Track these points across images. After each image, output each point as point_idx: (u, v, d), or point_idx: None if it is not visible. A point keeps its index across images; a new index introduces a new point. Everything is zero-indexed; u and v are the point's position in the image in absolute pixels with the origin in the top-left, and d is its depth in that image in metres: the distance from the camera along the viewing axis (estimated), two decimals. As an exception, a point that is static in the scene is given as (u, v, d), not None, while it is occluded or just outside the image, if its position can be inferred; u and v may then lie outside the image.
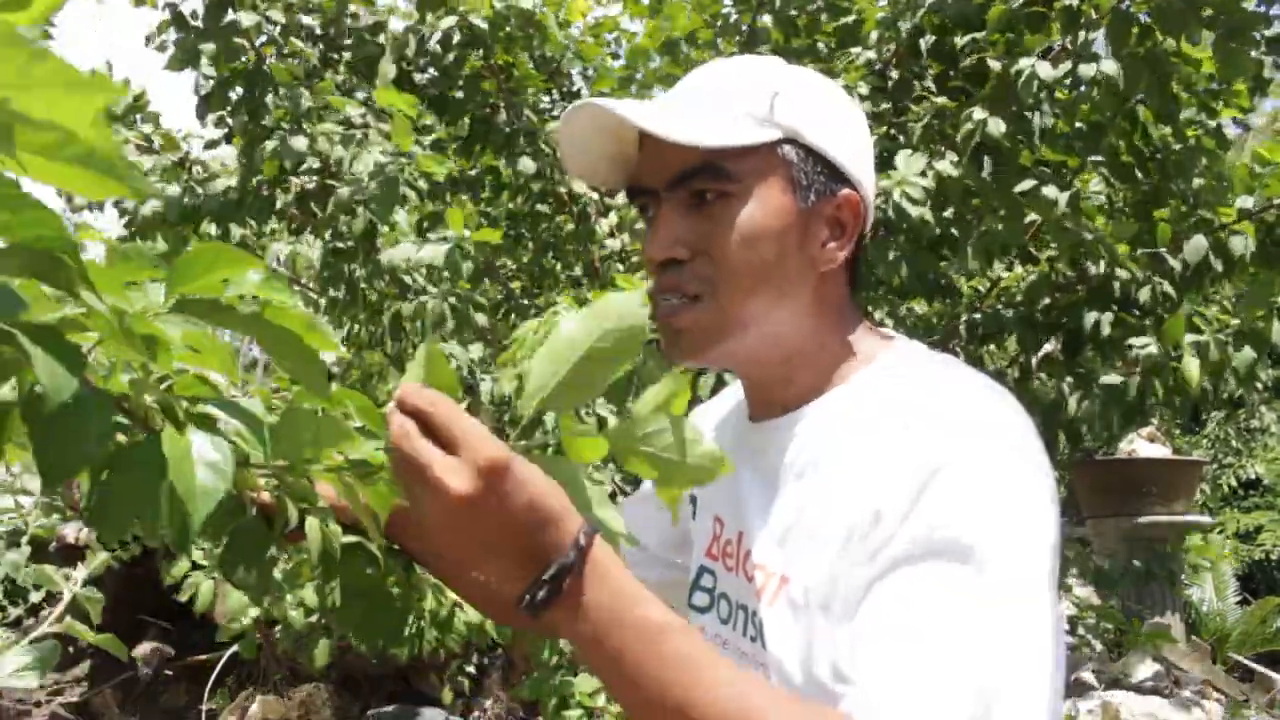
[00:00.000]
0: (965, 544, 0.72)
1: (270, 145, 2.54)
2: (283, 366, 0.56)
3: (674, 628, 0.69)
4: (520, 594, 0.67)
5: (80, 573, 1.41)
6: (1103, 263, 2.51)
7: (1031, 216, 2.59)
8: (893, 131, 2.59)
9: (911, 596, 0.72)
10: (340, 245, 2.54)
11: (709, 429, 1.07)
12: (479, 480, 0.63)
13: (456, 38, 2.81)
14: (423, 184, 2.34)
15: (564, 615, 0.67)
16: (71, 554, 4.36)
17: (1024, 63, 2.24)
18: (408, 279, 2.53)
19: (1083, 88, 2.26)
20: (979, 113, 2.27)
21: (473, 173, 3.29)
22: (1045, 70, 2.21)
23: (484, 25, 2.79)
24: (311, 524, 0.70)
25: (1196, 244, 2.44)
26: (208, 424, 0.54)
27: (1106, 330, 2.50)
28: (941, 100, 2.43)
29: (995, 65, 2.34)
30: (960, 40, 2.45)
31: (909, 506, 0.74)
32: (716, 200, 0.86)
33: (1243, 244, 2.44)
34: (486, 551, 0.66)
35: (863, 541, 0.76)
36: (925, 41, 2.53)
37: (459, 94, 2.99)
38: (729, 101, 0.87)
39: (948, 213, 2.44)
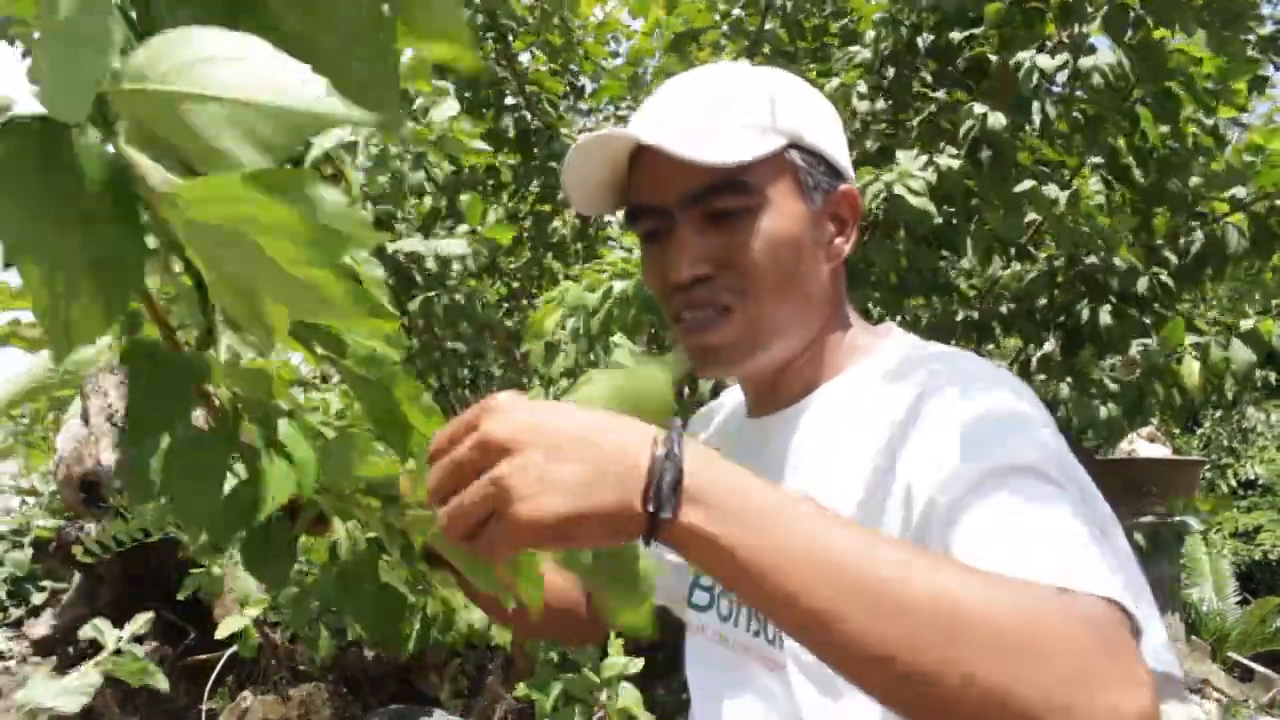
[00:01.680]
0: (1020, 462, 0.68)
1: None
2: (371, 420, 0.57)
3: (805, 499, 0.59)
4: (642, 497, 0.56)
5: (128, 630, 1.50)
6: (1101, 254, 2.51)
7: (1031, 216, 2.60)
8: (889, 130, 2.60)
9: (999, 510, 0.67)
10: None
11: (708, 431, 1.08)
12: (508, 413, 0.56)
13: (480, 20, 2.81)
14: (438, 173, 2.32)
15: (699, 514, 0.56)
16: (72, 554, 4.36)
17: (1023, 55, 2.24)
18: (415, 276, 2.53)
19: (1078, 82, 2.26)
20: (979, 107, 2.27)
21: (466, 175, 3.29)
22: (1045, 61, 2.21)
23: (509, 21, 2.79)
24: (341, 532, 0.71)
25: (1196, 240, 2.45)
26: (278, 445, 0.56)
27: (1105, 321, 2.50)
28: (940, 95, 2.43)
29: (994, 59, 2.34)
30: (958, 36, 2.45)
31: (940, 464, 0.72)
32: (734, 217, 0.85)
33: (1235, 239, 2.45)
34: (570, 472, 0.56)
35: (904, 513, 0.74)
36: (923, 39, 2.53)
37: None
38: (729, 111, 0.86)
39: (948, 209, 2.44)
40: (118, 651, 1.53)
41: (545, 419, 0.56)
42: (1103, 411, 2.44)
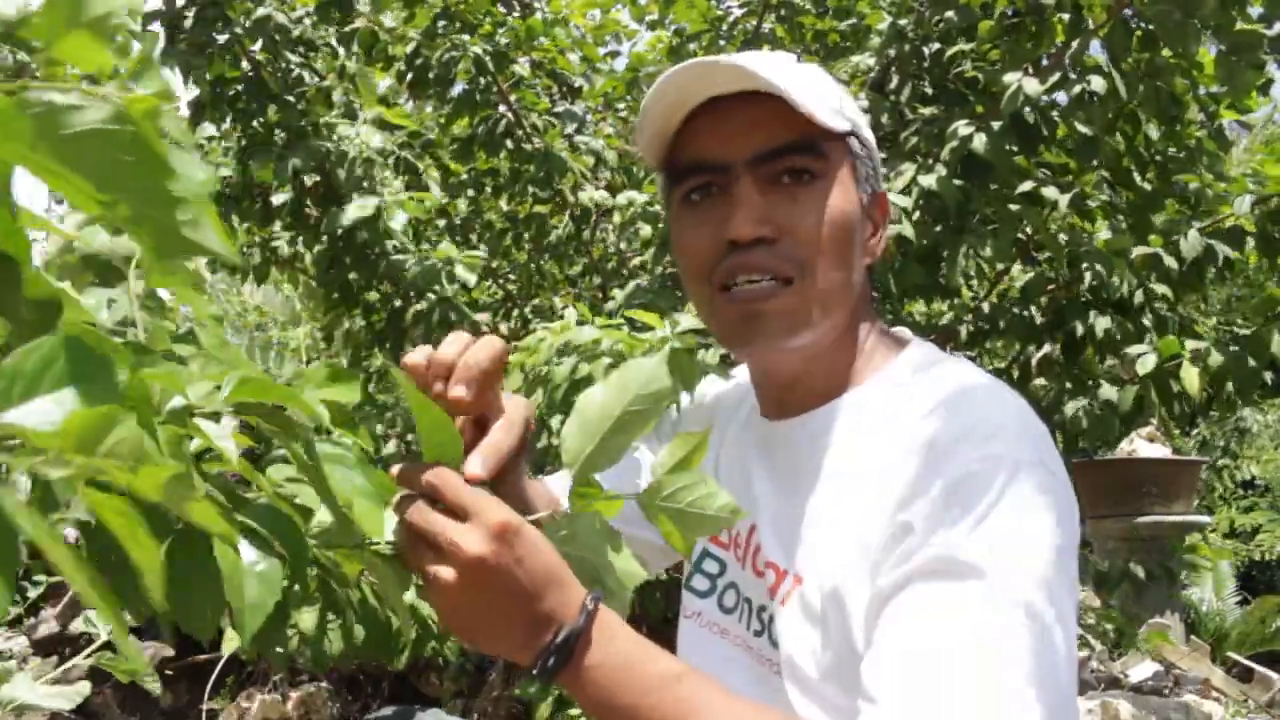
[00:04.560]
0: (985, 565, 0.72)
1: (265, 160, 2.54)
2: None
3: (681, 676, 0.71)
4: (532, 661, 0.69)
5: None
6: (1097, 268, 2.49)
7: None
8: (887, 143, 2.58)
9: (931, 616, 0.72)
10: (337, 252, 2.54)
11: (715, 414, 1.06)
12: (492, 542, 0.65)
13: (461, 64, 2.80)
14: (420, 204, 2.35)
15: (573, 679, 0.69)
16: (71, 554, 4.35)
17: (1009, 77, 2.21)
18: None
19: (1067, 102, 2.24)
20: (964, 128, 2.25)
21: (465, 175, 3.28)
22: (1031, 86, 2.18)
23: (486, 51, 2.78)
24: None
25: (1194, 239, 2.42)
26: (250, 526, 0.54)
27: (1102, 333, 2.48)
28: (928, 110, 2.42)
29: (984, 77, 2.33)
30: (952, 50, 2.43)
31: (933, 523, 0.74)
32: (804, 181, 0.84)
33: (1242, 241, 2.43)
34: (497, 618, 0.67)
35: (885, 552, 0.76)
36: (929, 49, 2.51)
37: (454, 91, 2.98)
38: (808, 83, 0.85)
39: (944, 221, 2.43)
40: (107, 644, 1.53)
41: (500, 567, 0.66)
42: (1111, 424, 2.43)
